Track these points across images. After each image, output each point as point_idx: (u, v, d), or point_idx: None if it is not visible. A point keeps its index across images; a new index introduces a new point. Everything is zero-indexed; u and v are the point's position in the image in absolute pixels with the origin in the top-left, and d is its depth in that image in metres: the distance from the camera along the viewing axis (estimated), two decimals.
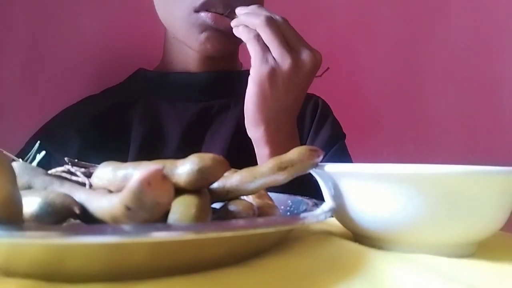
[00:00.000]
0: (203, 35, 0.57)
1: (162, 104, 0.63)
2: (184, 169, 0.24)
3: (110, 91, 0.68)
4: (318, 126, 0.65)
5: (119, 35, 0.83)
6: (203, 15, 0.56)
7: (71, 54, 0.80)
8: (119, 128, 0.61)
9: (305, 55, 0.47)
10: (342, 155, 0.63)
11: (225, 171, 0.25)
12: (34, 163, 0.32)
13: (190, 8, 0.56)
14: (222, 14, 0.56)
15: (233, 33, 0.58)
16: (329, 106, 0.69)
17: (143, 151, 0.59)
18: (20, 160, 0.31)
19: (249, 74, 0.69)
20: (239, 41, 0.62)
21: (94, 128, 0.61)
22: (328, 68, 0.37)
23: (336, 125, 0.67)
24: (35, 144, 0.60)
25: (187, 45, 0.60)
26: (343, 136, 0.66)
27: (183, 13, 0.57)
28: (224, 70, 0.66)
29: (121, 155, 0.58)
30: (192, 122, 0.62)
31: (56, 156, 0.57)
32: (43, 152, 0.33)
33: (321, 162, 0.29)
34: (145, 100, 0.64)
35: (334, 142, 0.64)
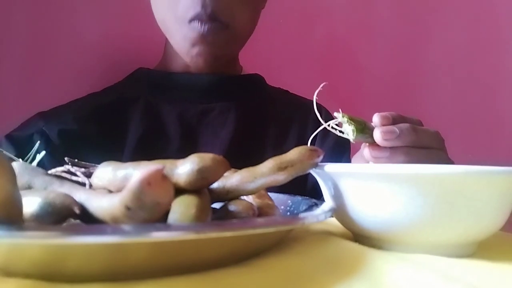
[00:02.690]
0: (195, 50, 0.57)
1: (162, 104, 0.63)
2: (184, 169, 0.24)
3: (111, 89, 0.68)
4: (324, 134, 0.65)
5: (118, 36, 0.83)
6: (192, 26, 0.56)
7: (71, 54, 0.80)
8: (117, 124, 0.61)
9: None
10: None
11: (225, 171, 0.25)
12: (34, 163, 0.32)
13: (181, 20, 0.57)
14: (209, 22, 0.56)
15: (223, 45, 0.58)
16: (332, 115, 0.69)
17: (141, 149, 0.59)
18: (20, 160, 0.31)
19: (250, 78, 0.69)
20: (231, 52, 0.62)
21: (92, 119, 0.61)
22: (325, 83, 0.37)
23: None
24: (30, 125, 0.61)
25: (181, 55, 0.61)
26: (348, 143, 0.66)
27: (175, 24, 0.58)
28: (225, 73, 0.66)
29: (116, 152, 0.58)
30: (193, 124, 0.62)
31: (50, 136, 0.57)
32: (43, 152, 0.33)
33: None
34: (145, 99, 0.64)
35: (340, 149, 0.64)
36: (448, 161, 0.43)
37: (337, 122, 0.37)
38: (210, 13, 0.55)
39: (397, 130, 0.37)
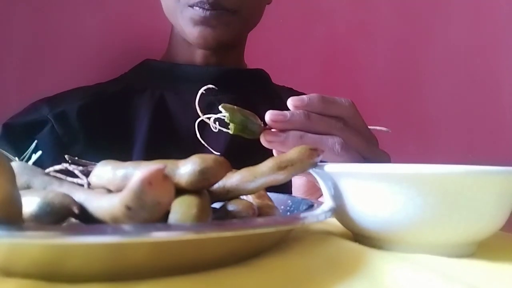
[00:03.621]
0: (196, 30, 0.58)
1: (169, 95, 0.64)
2: (185, 169, 0.24)
3: (117, 80, 0.69)
4: None
5: (121, 30, 0.83)
6: (194, 10, 0.57)
7: (72, 51, 0.80)
8: (124, 113, 0.61)
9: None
10: None
11: (226, 173, 0.25)
12: (30, 162, 0.32)
13: (183, 4, 0.57)
14: (211, 10, 0.57)
15: (226, 29, 0.59)
16: None
17: (151, 138, 0.59)
18: (16, 158, 0.31)
19: (257, 72, 0.69)
20: (233, 33, 0.62)
21: (98, 108, 0.61)
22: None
23: None
24: (34, 109, 0.60)
25: (184, 37, 0.61)
26: None
27: (177, 6, 0.59)
28: (231, 66, 0.66)
29: (126, 140, 0.58)
30: (199, 116, 0.62)
31: (55, 125, 0.57)
32: (39, 152, 0.33)
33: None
34: (152, 89, 0.64)
35: None
36: (350, 152, 0.39)
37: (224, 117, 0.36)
38: (213, 1, 0.56)
39: (287, 114, 0.36)
